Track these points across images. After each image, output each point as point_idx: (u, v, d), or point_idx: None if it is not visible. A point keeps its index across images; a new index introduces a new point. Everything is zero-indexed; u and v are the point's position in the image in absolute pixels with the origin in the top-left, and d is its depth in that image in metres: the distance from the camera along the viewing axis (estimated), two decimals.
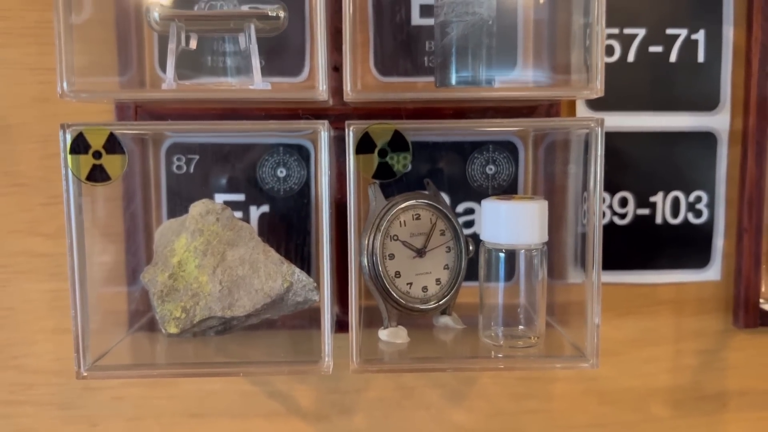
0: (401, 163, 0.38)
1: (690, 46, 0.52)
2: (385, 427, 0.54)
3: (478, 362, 0.42)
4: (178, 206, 0.50)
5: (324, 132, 0.38)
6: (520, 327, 0.43)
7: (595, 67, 0.38)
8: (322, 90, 0.38)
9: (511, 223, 0.41)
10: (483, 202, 0.43)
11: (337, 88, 0.41)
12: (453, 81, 0.43)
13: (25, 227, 0.51)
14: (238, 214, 0.51)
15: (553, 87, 0.47)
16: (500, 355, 0.42)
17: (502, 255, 0.42)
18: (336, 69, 0.44)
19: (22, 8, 0.49)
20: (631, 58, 0.51)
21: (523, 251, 0.42)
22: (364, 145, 0.38)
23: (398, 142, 0.38)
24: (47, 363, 0.53)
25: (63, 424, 0.54)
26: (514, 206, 0.41)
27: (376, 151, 0.38)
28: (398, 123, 0.38)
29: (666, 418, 0.55)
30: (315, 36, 0.38)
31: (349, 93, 0.38)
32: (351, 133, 0.38)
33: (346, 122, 0.38)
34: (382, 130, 0.38)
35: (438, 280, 0.45)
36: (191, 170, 0.51)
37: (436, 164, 0.52)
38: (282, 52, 0.50)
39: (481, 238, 0.43)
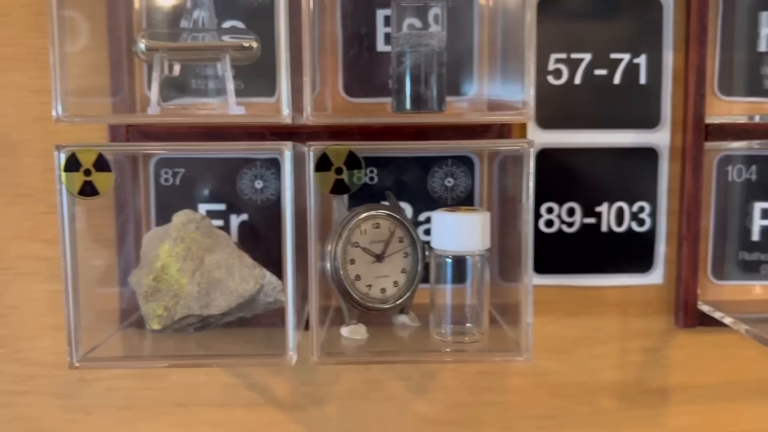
0: (355, 179, 0.43)
1: (632, 69, 0.56)
2: (354, 417, 0.59)
3: (426, 355, 0.47)
4: (165, 215, 0.55)
5: (288, 151, 0.43)
6: (467, 324, 0.48)
7: (527, 95, 0.43)
8: (286, 114, 0.43)
9: (457, 232, 0.46)
10: (432, 214, 0.47)
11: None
12: (407, 106, 0.48)
13: (27, 234, 0.57)
14: (220, 222, 0.56)
15: (490, 112, 0.51)
16: (447, 350, 0.47)
17: (449, 260, 0.47)
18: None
19: (26, 36, 0.55)
20: (578, 80, 0.56)
21: (468, 257, 0.47)
22: (323, 163, 0.43)
23: (352, 160, 0.43)
24: (47, 356, 0.58)
25: (61, 412, 0.59)
26: (460, 217, 0.46)
27: (333, 169, 0.43)
28: (353, 144, 0.43)
29: (613, 411, 0.60)
30: (279, 65, 0.43)
31: (309, 117, 0.43)
32: (311, 154, 0.43)
33: (307, 143, 0.43)
34: (338, 150, 0.43)
35: (396, 283, 0.50)
36: (177, 182, 0.56)
37: (400, 177, 0.56)
38: (261, 74, 0.55)
39: (431, 245, 0.48)
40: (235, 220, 0.56)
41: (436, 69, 0.47)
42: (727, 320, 0.54)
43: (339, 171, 0.43)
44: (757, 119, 0.50)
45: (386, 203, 0.51)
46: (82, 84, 0.51)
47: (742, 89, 0.56)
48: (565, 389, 0.60)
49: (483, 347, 0.47)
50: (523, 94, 0.43)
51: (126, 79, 0.54)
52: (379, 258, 0.50)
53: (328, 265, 0.48)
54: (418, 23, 0.47)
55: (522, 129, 0.56)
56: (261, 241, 0.55)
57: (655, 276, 0.58)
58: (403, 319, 0.51)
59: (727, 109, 0.57)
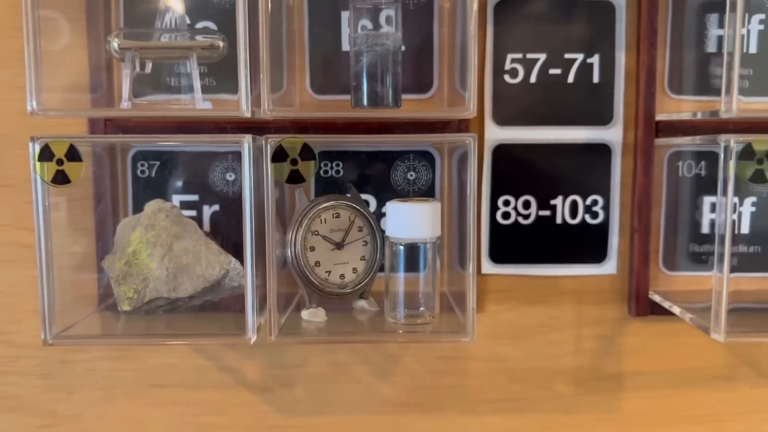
0: (309, 170, 0.46)
1: (586, 68, 0.58)
2: (321, 398, 0.62)
3: (379, 336, 0.49)
4: (141, 205, 0.58)
5: (246, 143, 0.46)
6: (420, 309, 0.51)
7: (470, 91, 0.45)
8: (244, 110, 0.45)
9: (409, 221, 0.49)
10: (387, 203, 0.50)
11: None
12: (365, 102, 0.50)
13: (12, 222, 0.59)
14: (193, 213, 0.58)
15: (441, 109, 0.54)
16: (400, 331, 0.49)
17: (402, 248, 0.49)
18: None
19: (8, 35, 0.57)
20: (533, 79, 0.58)
21: (420, 244, 0.49)
22: (279, 155, 0.46)
23: (307, 152, 0.46)
24: (30, 339, 0.61)
25: (43, 391, 0.62)
26: (412, 207, 0.49)
27: (288, 160, 0.46)
28: (307, 137, 0.46)
29: (569, 396, 0.62)
30: (239, 63, 0.45)
31: (266, 111, 0.45)
32: (268, 146, 0.45)
33: (265, 136, 0.46)
34: (293, 142, 0.46)
35: (355, 269, 0.53)
36: (153, 174, 0.59)
37: (364, 171, 0.59)
38: (233, 72, 0.57)
39: (386, 234, 0.50)
40: (207, 211, 0.59)
41: (392, 68, 0.50)
42: (675, 309, 0.56)
43: (294, 162, 0.46)
44: (699, 116, 0.52)
45: (347, 194, 0.54)
46: (62, 81, 0.54)
47: (691, 88, 0.59)
48: (522, 374, 0.62)
49: (434, 329, 0.49)
50: (466, 92, 0.46)
51: (105, 76, 0.57)
52: (339, 246, 0.52)
53: (289, 252, 0.51)
54: (371, 24, 0.50)
55: (481, 125, 0.58)
56: (231, 230, 0.58)
57: (609, 266, 0.61)
58: (362, 303, 0.54)
59: (676, 106, 0.59)
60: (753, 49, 0.59)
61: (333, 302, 0.53)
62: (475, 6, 0.45)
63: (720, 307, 0.48)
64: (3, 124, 0.58)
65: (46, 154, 0.45)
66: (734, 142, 0.46)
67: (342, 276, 0.52)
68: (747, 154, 0.46)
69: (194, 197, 0.59)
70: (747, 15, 0.58)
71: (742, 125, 0.53)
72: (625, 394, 0.62)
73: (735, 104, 0.46)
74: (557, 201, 0.60)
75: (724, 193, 0.47)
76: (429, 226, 0.49)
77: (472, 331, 0.47)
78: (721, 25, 0.58)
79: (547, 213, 0.60)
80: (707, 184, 0.60)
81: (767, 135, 0.47)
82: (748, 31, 0.59)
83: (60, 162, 0.45)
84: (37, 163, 0.45)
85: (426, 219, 0.48)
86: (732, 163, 0.46)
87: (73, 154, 0.46)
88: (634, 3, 0.58)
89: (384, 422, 0.62)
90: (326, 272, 0.52)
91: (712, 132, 0.51)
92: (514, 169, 0.59)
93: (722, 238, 0.48)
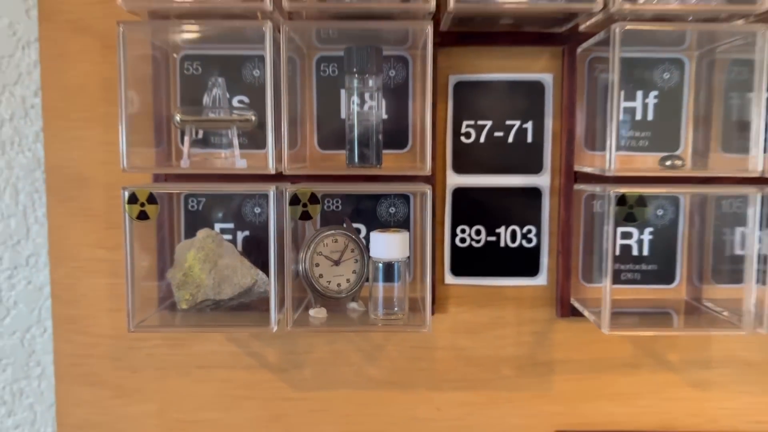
0: (315, 210, 0.65)
1: (522, 132, 0.77)
2: (323, 377, 0.80)
3: (364, 327, 0.68)
4: (191, 232, 0.77)
5: (272, 192, 0.65)
6: (395, 309, 0.69)
7: (427, 155, 0.64)
8: (271, 167, 0.65)
9: (385, 246, 0.68)
10: (371, 233, 0.69)
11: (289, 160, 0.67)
12: (356, 162, 0.69)
13: (94, 243, 0.79)
14: (229, 237, 0.77)
15: (406, 167, 0.73)
16: (379, 324, 0.68)
17: (381, 265, 0.68)
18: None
19: (97, 105, 0.77)
20: (482, 140, 0.77)
21: (394, 262, 0.68)
22: (294, 200, 0.65)
23: (313, 198, 0.65)
24: (106, 330, 0.80)
25: (114, 370, 0.81)
26: (387, 236, 0.68)
27: (301, 204, 0.65)
28: (313, 186, 0.65)
29: (511, 377, 0.81)
30: (267, 135, 0.64)
31: (286, 169, 0.65)
32: (286, 194, 0.65)
33: (285, 185, 0.65)
34: (304, 191, 0.65)
35: (348, 280, 0.72)
36: (200, 208, 0.78)
37: (357, 206, 0.78)
38: (263, 133, 0.77)
39: (370, 254, 0.69)
40: (240, 235, 0.78)
41: (374, 137, 0.69)
42: (586, 312, 0.75)
43: (304, 205, 0.65)
44: (597, 172, 0.71)
45: (343, 225, 0.73)
46: (137, 138, 0.74)
47: (601, 145, 0.77)
48: (476, 360, 0.81)
49: (403, 323, 0.68)
50: (426, 155, 0.65)
51: (165, 134, 0.77)
52: (336, 263, 0.71)
53: (301, 267, 0.70)
54: (359, 101, 0.69)
55: (443, 173, 0.78)
56: (258, 250, 0.77)
57: (540, 279, 0.79)
58: (353, 305, 0.73)
59: (590, 160, 0.78)
60: (650, 117, 0.78)
61: (332, 304, 0.72)
62: (429, 92, 0.64)
63: (605, 309, 0.66)
64: (90, 170, 0.78)
65: (132, 198, 0.65)
66: (612, 192, 0.65)
67: (339, 285, 0.71)
68: (621, 200, 0.65)
69: (230, 225, 0.78)
70: (642, 92, 0.77)
71: (629, 177, 0.72)
72: (554, 376, 0.81)
73: (614, 164, 0.65)
74: (501, 230, 0.78)
75: (610, 225, 0.66)
76: (400, 250, 0.68)
77: (429, 325, 0.66)
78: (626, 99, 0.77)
79: (493, 239, 0.78)
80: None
81: (638, 186, 0.66)
82: (645, 104, 0.77)
83: (142, 204, 0.65)
84: (127, 206, 0.65)
85: (398, 245, 0.67)
86: (611, 208, 0.65)
87: (151, 199, 0.65)
88: (558, 83, 0.77)
89: (371, 396, 0.81)
90: (327, 282, 0.71)
91: (612, 181, 0.70)
92: (468, 206, 0.78)
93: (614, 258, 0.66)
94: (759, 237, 0.66)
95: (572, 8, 0.65)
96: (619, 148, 0.77)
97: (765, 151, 0.65)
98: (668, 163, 0.71)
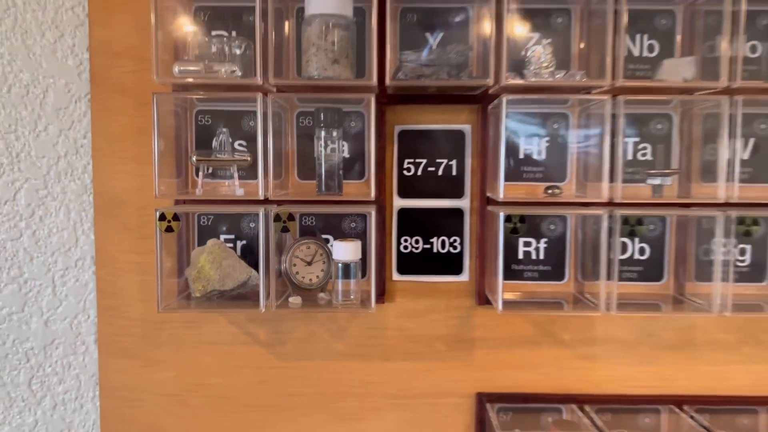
0: (293, 226, 0.91)
1: (448, 167, 1.03)
2: (301, 351, 1.05)
3: (328, 310, 0.94)
4: (202, 240, 1.02)
5: (262, 212, 0.90)
6: (351, 297, 0.95)
7: (371, 185, 0.90)
8: (260, 195, 0.90)
9: (343, 251, 0.93)
10: (333, 242, 0.94)
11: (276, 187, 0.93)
12: (323, 191, 0.95)
13: (129, 248, 1.04)
14: (231, 245, 1.03)
15: (361, 193, 0.98)
16: (339, 307, 0.94)
17: (340, 265, 0.94)
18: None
19: (132, 147, 1.03)
20: (419, 173, 1.03)
21: (350, 263, 0.94)
22: (276, 218, 0.90)
23: (291, 217, 0.91)
24: (138, 315, 1.05)
25: (143, 345, 1.06)
26: (344, 243, 0.93)
27: (282, 221, 0.90)
28: (291, 207, 0.90)
29: (443, 350, 1.06)
30: (258, 170, 0.90)
31: (269, 196, 0.90)
32: (271, 214, 0.90)
33: (266, 207, 0.90)
34: (284, 212, 0.90)
35: (317, 276, 0.97)
36: (209, 224, 1.03)
37: (327, 222, 1.04)
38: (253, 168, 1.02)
39: (333, 257, 0.95)
40: (239, 244, 1.03)
41: (337, 172, 0.95)
42: (491, 300, 1.00)
43: (285, 222, 0.91)
44: (493, 197, 0.96)
45: (315, 236, 0.99)
46: (164, 172, 0.99)
47: (509, 177, 1.03)
48: (416, 338, 1.06)
49: (356, 306, 0.94)
50: (371, 185, 0.90)
51: (184, 169, 1.02)
52: (309, 263, 0.97)
53: (282, 267, 0.95)
54: (325, 144, 0.95)
55: (391, 197, 1.03)
56: (252, 254, 1.02)
57: (464, 276, 1.05)
58: (321, 295, 0.98)
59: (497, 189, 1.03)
60: (543, 156, 1.03)
61: (306, 294, 0.97)
62: (373, 140, 0.90)
63: (498, 296, 0.92)
64: (126, 195, 1.03)
65: (162, 217, 0.90)
66: (501, 212, 0.91)
67: (311, 279, 0.97)
68: (508, 218, 0.91)
69: (232, 236, 1.03)
70: (537, 138, 1.02)
71: (514, 202, 0.97)
72: (475, 350, 1.06)
73: (502, 192, 0.91)
74: (434, 239, 1.04)
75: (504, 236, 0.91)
76: (354, 254, 0.93)
77: (373, 308, 0.91)
78: (525, 144, 1.03)
79: (428, 246, 1.04)
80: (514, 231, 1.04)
81: (520, 207, 0.91)
82: (539, 147, 1.03)
83: (169, 221, 0.90)
84: (158, 222, 0.90)
85: (352, 250, 0.93)
86: (501, 224, 0.91)
87: (175, 217, 0.90)
88: (475, 131, 1.02)
89: (336, 365, 1.06)
90: (302, 277, 0.96)
91: (503, 204, 0.95)
92: (409, 222, 1.03)
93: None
94: (607, 244, 0.92)
95: (474, 83, 0.91)
96: (519, 179, 1.02)
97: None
98: (549, 191, 0.97)
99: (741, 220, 0.91)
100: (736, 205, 0.91)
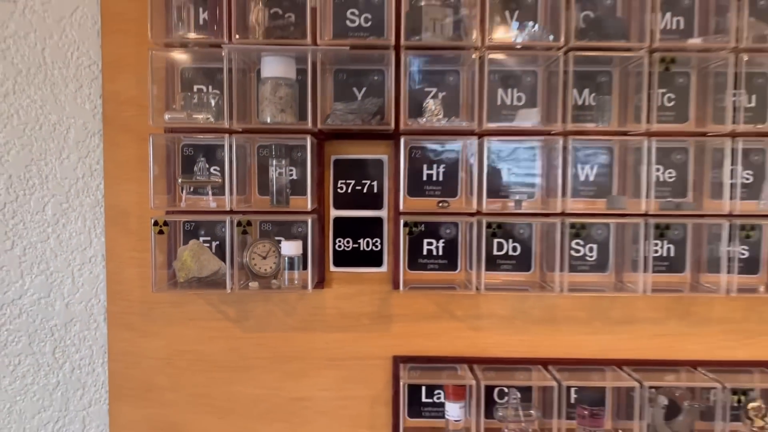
0: (253, 230, 1.24)
1: (371, 186, 1.36)
2: (260, 324, 1.38)
3: (279, 291, 1.27)
4: (186, 240, 1.35)
5: (228, 219, 1.24)
6: (295, 282, 1.28)
7: (308, 199, 1.24)
8: (227, 207, 1.23)
9: (288, 248, 1.27)
10: (282, 242, 1.28)
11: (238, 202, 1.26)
12: (275, 204, 1.29)
13: (131, 247, 1.37)
14: (207, 243, 1.36)
15: (302, 206, 1.32)
16: (283, 287, 1.27)
17: (287, 258, 1.27)
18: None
19: (134, 170, 1.36)
20: (349, 191, 1.37)
21: (294, 257, 1.27)
22: (239, 224, 1.24)
23: (249, 223, 1.24)
24: (137, 297, 1.38)
25: (141, 321, 1.38)
26: (290, 243, 1.27)
27: (242, 226, 1.24)
28: (251, 216, 1.24)
29: (368, 324, 1.39)
30: (226, 189, 1.23)
31: (233, 207, 1.24)
32: (235, 221, 1.24)
33: (231, 216, 1.24)
34: (243, 219, 1.24)
35: (271, 267, 1.31)
36: (191, 228, 1.37)
37: (281, 227, 1.37)
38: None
39: (282, 252, 1.28)
40: (213, 243, 1.36)
41: (285, 190, 1.29)
42: (401, 286, 1.33)
43: (245, 227, 1.24)
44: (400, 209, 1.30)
45: (269, 237, 1.32)
46: (157, 189, 1.32)
47: (415, 194, 1.36)
48: (348, 314, 1.39)
49: (298, 288, 1.27)
50: (308, 199, 1.24)
51: (173, 188, 1.35)
52: (264, 258, 1.30)
53: (244, 260, 1.29)
54: (277, 169, 1.28)
55: (329, 208, 1.37)
56: (222, 251, 1.35)
57: (383, 268, 1.38)
58: (274, 281, 1.31)
59: (410, 204, 1.37)
60: (441, 178, 1.37)
61: (262, 281, 1.30)
62: (309, 168, 1.24)
63: (400, 281, 1.25)
64: (130, 207, 1.36)
65: (156, 223, 1.24)
66: (402, 220, 1.24)
67: (266, 270, 1.30)
68: (405, 224, 1.24)
69: (208, 237, 1.36)
70: (436, 164, 1.36)
71: (412, 212, 1.31)
72: (392, 324, 1.39)
73: (402, 204, 1.24)
74: (360, 240, 1.37)
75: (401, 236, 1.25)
76: (296, 250, 1.26)
77: (309, 289, 1.25)
78: (428, 168, 1.37)
79: (357, 245, 1.37)
80: (423, 234, 1.38)
81: (415, 215, 1.25)
82: (437, 171, 1.37)
83: (161, 226, 1.24)
84: (153, 227, 1.24)
85: (295, 248, 1.26)
86: (402, 229, 1.24)
87: (165, 223, 1.24)
88: (391, 161, 1.36)
89: (288, 335, 1.39)
90: (259, 268, 1.30)
91: (403, 214, 1.29)
92: (342, 227, 1.37)
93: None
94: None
95: (380, 128, 1.25)
96: (422, 195, 1.36)
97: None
98: (440, 204, 1.30)
99: (573, 226, 1.25)
100: (568, 215, 1.25)
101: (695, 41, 1.24)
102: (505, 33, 1.26)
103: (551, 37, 1.23)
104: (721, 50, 1.23)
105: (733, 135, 1.25)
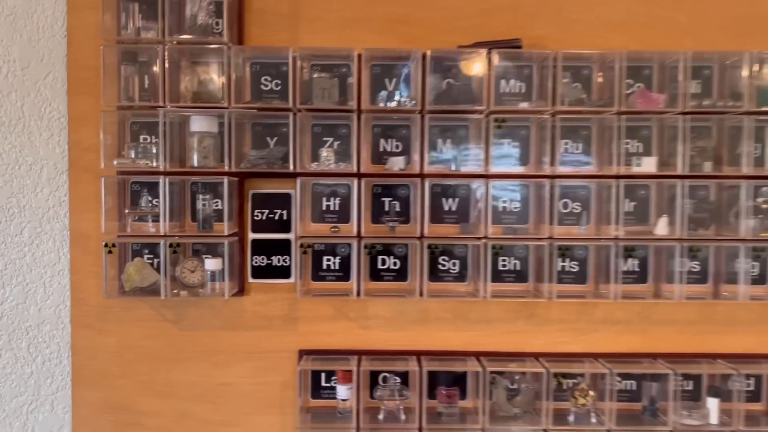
0: (181, 250, 1.58)
1: (281, 215, 1.71)
2: (192, 324, 1.71)
3: (203, 298, 1.61)
4: (132, 258, 1.69)
5: (162, 243, 1.58)
6: (216, 290, 1.62)
7: (225, 226, 1.58)
8: (162, 232, 1.58)
9: (211, 264, 1.61)
10: (205, 259, 1.62)
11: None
12: (200, 229, 1.63)
13: (91, 263, 1.70)
14: (150, 261, 1.70)
15: (221, 231, 1.67)
16: (209, 295, 1.61)
17: (209, 272, 1.61)
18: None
19: (93, 203, 1.70)
20: (264, 218, 1.71)
21: (216, 271, 1.61)
22: (170, 246, 1.58)
23: (179, 245, 1.58)
24: (94, 303, 1.71)
25: (98, 321, 1.71)
26: (212, 260, 1.61)
27: (173, 248, 1.58)
28: (183, 239, 1.58)
29: (280, 324, 1.72)
30: (161, 219, 1.58)
31: (167, 232, 1.58)
32: (167, 243, 1.58)
33: (165, 239, 1.58)
34: (174, 242, 1.58)
35: (198, 279, 1.64)
36: (138, 248, 1.70)
37: (209, 248, 1.71)
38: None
39: (205, 267, 1.62)
40: (155, 260, 1.70)
41: (210, 218, 1.63)
42: (298, 294, 1.67)
43: (175, 248, 1.58)
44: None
45: (200, 256, 1.66)
46: (108, 218, 1.66)
47: (318, 221, 1.71)
48: (263, 317, 1.72)
49: (220, 295, 1.61)
50: (225, 226, 1.58)
51: (123, 215, 1.69)
52: (192, 272, 1.64)
53: (177, 273, 1.63)
54: (203, 205, 1.63)
55: (248, 231, 1.71)
56: (158, 267, 1.69)
57: (292, 279, 1.72)
58: (201, 290, 1.65)
59: (312, 228, 1.71)
60: (337, 208, 1.72)
61: (190, 290, 1.64)
62: (226, 198, 1.58)
63: (298, 292, 1.59)
64: (89, 232, 1.70)
65: (105, 245, 1.58)
66: (299, 242, 1.59)
67: (194, 281, 1.64)
68: (301, 245, 1.59)
69: (151, 256, 1.70)
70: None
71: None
72: (299, 324, 1.72)
73: (299, 230, 1.59)
74: (273, 257, 1.71)
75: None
76: (216, 265, 1.60)
77: (227, 296, 1.59)
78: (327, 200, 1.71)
79: (270, 261, 1.71)
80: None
81: (312, 238, 1.59)
82: (334, 203, 1.71)
83: (110, 247, 1.58)
84: (104, 248, 1.58)
85: (216, 263, 1.60)
86: (297, 248, 1.59)
87: (114, 244, 1.58)
88: (297, 195, 1.71)
89: (215, 333, 1.72)
90: (189, 280, 1.64)
91: (304, 237, 1.63)
92: (259, 247, 1.71)
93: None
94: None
95: (282, 171, 1.59)
96: (322, 221, 1.70)
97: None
98: (333, 229, 1.65)
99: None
100: (428, 237, 1.60)
101: (524, 105, 1.60)
102: (379, 99, 1.61)
103: (414, 102, 1.58)
104: (543, 112, 1.59)
105: (552, 177, 1.61)
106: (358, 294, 1.61)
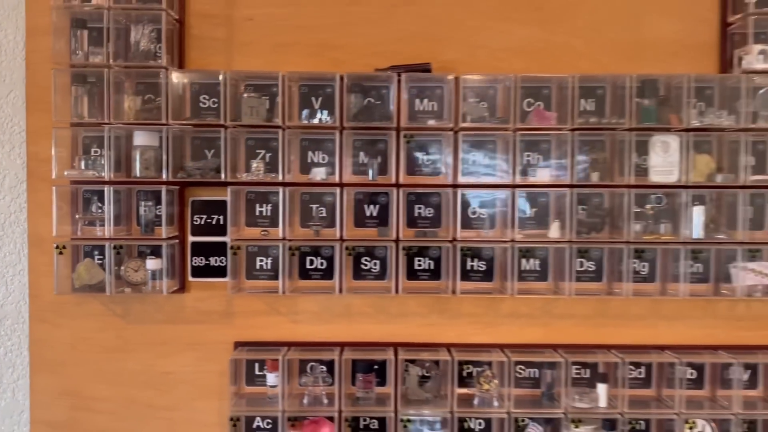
0: (127, 252, 1.76)
1: (218, 219, 1.89)
2: (138, 318, 1.89)
3: (146, 294, 1.79)
4: (83, 258, 1.86)
5: (107, 245, 1.76)
6: (157, 287, 1.80)
7: (162, 229, 1.76)
8: (108, 235, 1.75)
9: (152, 263, 1.79)
10: (148, 259, 1.80)
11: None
12: (143, 233, 1.81)
13: (46, 263, 1.88)
14: (99, 261, 1.88)
15: (167, 234, 1.85)
16: (150, 292, 1.79)
17: (150, 271, 1.79)
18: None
19: (48, 209, 1.88)
20: (203, 223, 1.89)
21: (156, 270, 1.79)
22: (115, 248, 1.76)
23: (122, 246, 1.76)
24: (49, 299, 1.88)
25: (53, 316, 1.89)
26: (153, 260, 1.79)
27: (117, 249, 1.76)
28: (128, 242, 1.76)
29: (217, 318, 1.90)
30: (105, 219, 1.75)
31: (112, 236, 1.76)
32: (112, 246, 1.76)
33: (110, 242, 1.76)
34: (118, 244, 1.76)
35: (141, 278, 1.82)
36: (90, 250, 1.88)
37: (154, 249, 1.89)
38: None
39: (147, 267, 1.80)
40: (104, 261, 1.88)
41: (152, 223, 1.81)
42: (229, 290, 1.85)
43: (119, 249, 1.76)
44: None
45: (146, 258, 1.84)
46: (61, 222, 1.84)
47: (251, 225, 1.89)
48: (203, 311, 1.88)
49: (162, 291, 1.79)
50: (163, 230, 1.76)
51: (74, 220, 1.87)
52: (136, 270, 1.82)
53: (122, 272, 1.81)
54: (146, 207, 1.81)
55: (187, 236, 1.89)
56: (106, 266, 1.87)
57: (228, 278, 1.90)
58: (145, 288, 1.83)
59: (246, 232, 1.89)
60: (269, 213, 1.90)
61: (134, 287, 1.82)
62: (165, 204, 1.76)
63: (230, 289, 1.77)
64: (45, 234, 1.87)
65: (57, 246, 1.75)
66: (230, 243, 1.77)
67: (137, 279, 1.82)
68: (238, 246, 1.77)
69: (101, 257, 1.88)
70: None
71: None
72: (234, 318, 1.90)
73: (229, 235, 1.77)
74: (211, 258, 1.89)
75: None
76: (156, 265, 1.78)
77: (165, 293, 1.76)
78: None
79: (209, 261, 1.89)
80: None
81: (244, 241, 1.77)
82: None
83: (61, 249, 1.75)
84: (55, 249, 1.75)
85: (155, 263, 1.78)
86: (228, 249, 1.77)
87: (65, 246, 1.75)
88: (231, 202, 1.89)
89: (159, 326, 1.89)
90: (132, 278, 1.81)
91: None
92: (198, 248, 1.89)
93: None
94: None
95: (215, 181, 1.78)
96: (256, 226, 1.88)
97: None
98: (262, 232, 1.83)
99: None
100: (349, 240, 1.78)
101: (431, 122, 1.78)
102: (303, 117, 1.79)
103: (333, 120, 1.76)
104: (448, 130, 1.77)
105: (455, 186, 1.79)
106: (283, 291, 1.79)
